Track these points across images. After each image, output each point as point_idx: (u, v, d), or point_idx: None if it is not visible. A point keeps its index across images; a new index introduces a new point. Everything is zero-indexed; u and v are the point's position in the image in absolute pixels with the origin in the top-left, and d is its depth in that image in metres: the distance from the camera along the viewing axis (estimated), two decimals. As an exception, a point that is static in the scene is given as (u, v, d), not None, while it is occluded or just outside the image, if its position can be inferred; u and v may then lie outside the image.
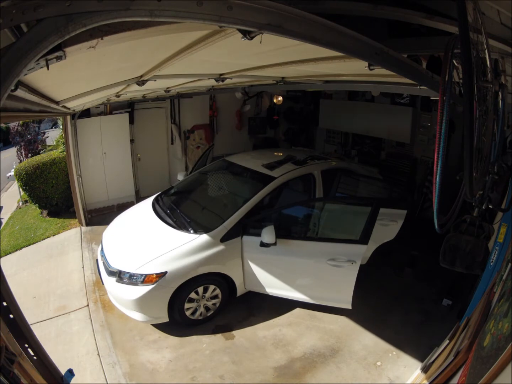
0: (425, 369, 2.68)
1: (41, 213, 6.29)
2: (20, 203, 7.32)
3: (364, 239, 3.15)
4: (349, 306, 3.34)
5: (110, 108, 5.89)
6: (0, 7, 0.66)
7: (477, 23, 1.12)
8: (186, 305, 3.34)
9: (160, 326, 3.41)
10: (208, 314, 3.54)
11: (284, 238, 3.34)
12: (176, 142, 6.65)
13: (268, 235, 3.23)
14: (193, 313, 3.44)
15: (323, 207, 3.67)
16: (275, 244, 3.24)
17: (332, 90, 6.60)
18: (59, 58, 0.94)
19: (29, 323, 1.21)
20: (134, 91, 3.69)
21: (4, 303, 1.07)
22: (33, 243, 5.31)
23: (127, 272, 3.20)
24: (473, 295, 2.67)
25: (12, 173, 7.23)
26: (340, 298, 3.36)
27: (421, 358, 2.96)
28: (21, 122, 8.90)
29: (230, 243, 3.44)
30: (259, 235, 3.32)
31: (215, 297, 3.53)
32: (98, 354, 3.14)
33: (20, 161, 8.08)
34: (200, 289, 3.39)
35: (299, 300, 3.56)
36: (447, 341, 2.69)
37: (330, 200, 3.83)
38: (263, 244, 3.29)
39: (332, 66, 2.23)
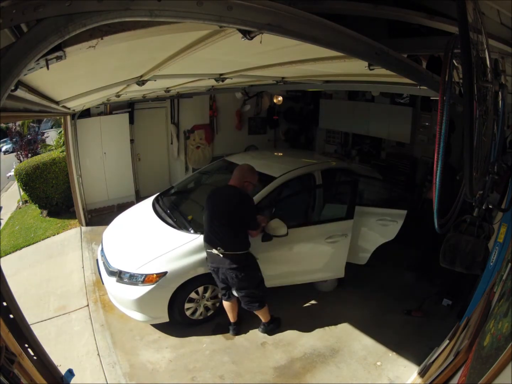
0: (425, 369, 2.68)
1: (41, 213, 6.29)
2: (20, 203, 7.33)
3: (349, 215, 3.61)
4: (342, 275, 3.75)
5: (110, 108, 5.89)
6: (0, 7, 0.66)
7: (477, 23, 1.12)
8: (186, 305, 3.34)
9: (160, 326, 3.41)
10: (208, 314, 3.54)
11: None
12: (174, 143, 6.65)
13: (280, 227, 3.19)
14: (193, 313, 3.43)
15: (314, 195, 3.87)
16: (287, 234, 3.22)
17: (332, 90, 6.60)
18: (59, 58, 0.94)
19: (29, 323, 1.21)
20: (134, 91, 3.70)
21: (4, 303, 1.07)
22: (33, 243, 5.31)
23: (128, 272, 3.20)
24: (473, 295, 2.67)
25: (12, 173, 7.23)
26: (334, 269, 3.75)
27: (421, 358, 2.96)
28: (20, 122, 8.90)
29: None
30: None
31: (215, 297, 3.53)
32: (98, 354, 3.14)
33: (20, 161, 8.09)
34: (200, 289, 3.39)
35: (297, 283, 3.73)
36: (447, 341, 2.69)
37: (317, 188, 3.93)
38: (265, 239, 3.27)
39: (332, 66, 2.23)
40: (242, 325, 3.45)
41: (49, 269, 4.56)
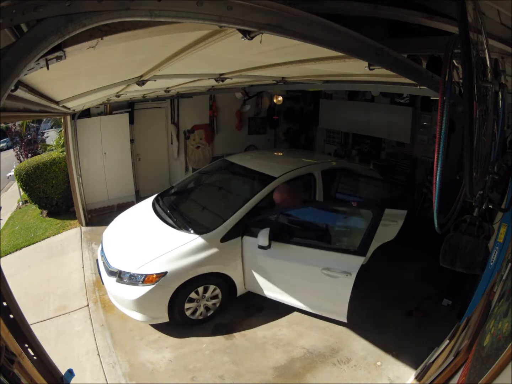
0: (424, 369, 2.68)
1: (41, 213, 6.29)
2: (20, 203, 7.32)
3: (362, 251, 2.99)
4: (345, 319, 3.15)
5: (110, 108, 5.89)
6: (0, 7, 0.66)
7: (477, 23, 1.12)
8: (186, 305, 3.34)
9: (160, 326, 3.41)
10: (208, 314, 3.54)
11: (282, 242, 3.29)
12: (174, 143, 6.66)
13: (262, 238, 3.20)
14: (193, 313, 3.43)
15: (323, 212, 3.59)
16: (269, 247, 3.21)
17: (332, 90, 6.60)
18: (59, 58, 0.95)
19: (29, 323, 1.21)
20: (134, 91, 3.70)
21: (4, 303, 1.07)
22: (33, 243, 5.31)
23: (127, 272, 3.20)
24: (473, 295, 2.67)
25: (12, 173, 7.23)
26: (335, 310, 3.23)
27: (421, 358, 2.96)
28: (20, 122, 8.89)
29: (231, 243, 3.43)
30: (259, 235, 3.30)
31: (215, 297, 3.52)
32: (98, 354, 3.14)
33: (20, 161, 8.08)
34: (200, 289, 3.39)
35: (295, 307, 3.51)
36: (447, 341, 2.69)
37: (332, 206, 3.73)
38: (259, 246, 3.28)
39: (332, 66, 2.23)
40: (242, 325, 3.45)
41: (49, 269, 4.56)
